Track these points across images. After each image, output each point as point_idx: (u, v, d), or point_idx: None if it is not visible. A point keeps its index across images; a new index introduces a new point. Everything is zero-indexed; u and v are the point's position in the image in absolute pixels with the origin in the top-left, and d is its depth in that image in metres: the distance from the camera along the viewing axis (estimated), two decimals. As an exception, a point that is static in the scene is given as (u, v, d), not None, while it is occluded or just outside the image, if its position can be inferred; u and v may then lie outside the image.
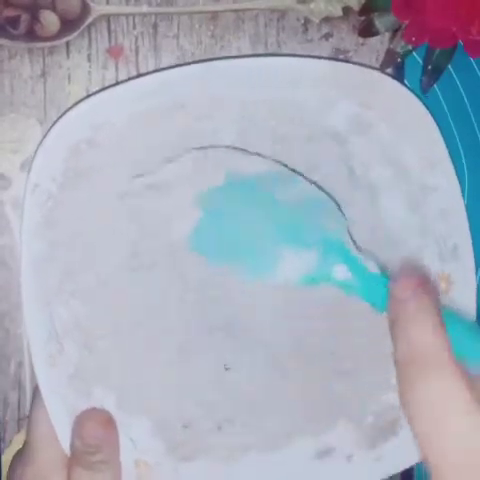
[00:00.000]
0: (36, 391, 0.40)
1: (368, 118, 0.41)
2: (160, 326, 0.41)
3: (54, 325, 0.40)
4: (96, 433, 0.39)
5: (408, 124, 0.41)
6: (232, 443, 0.42)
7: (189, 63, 0.41)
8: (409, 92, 0.41)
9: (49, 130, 0.39)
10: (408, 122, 0.41)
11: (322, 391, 0.42)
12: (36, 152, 0.39)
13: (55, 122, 0.39)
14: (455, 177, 0.42)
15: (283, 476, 0.42)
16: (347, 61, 0.44)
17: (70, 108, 0.39)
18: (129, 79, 0.41)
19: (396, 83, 0.41)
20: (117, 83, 0.43)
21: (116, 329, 0.41)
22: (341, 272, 0.37)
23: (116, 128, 0.40)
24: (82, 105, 0.39)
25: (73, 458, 0.39)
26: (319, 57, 0.43)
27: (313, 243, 0.37)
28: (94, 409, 0.40)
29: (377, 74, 0.41)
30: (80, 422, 0.39)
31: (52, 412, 0.39)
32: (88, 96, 0.40)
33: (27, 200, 0.39)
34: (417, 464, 0.44)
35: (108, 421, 0.40)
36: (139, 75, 0.43)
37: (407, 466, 0.42)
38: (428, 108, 0.41)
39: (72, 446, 0.39)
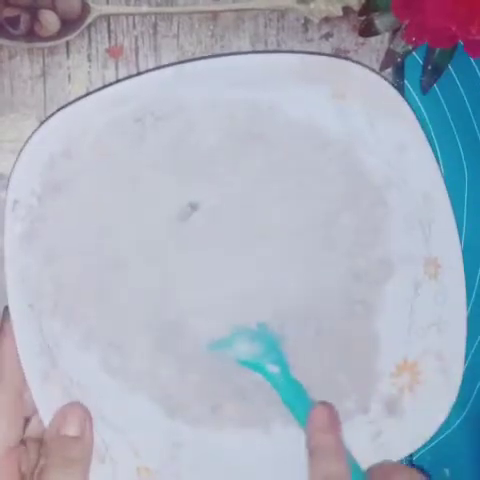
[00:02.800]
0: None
1: (342, 107, 0.42)
2: (153, 336, 0.42)
3: (45, 338, 0.40)
4: (76, 421, 0.39)
5: (382, 109, 0.41)
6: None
7: (158, 68, 0.42)
8: (380, 78, 0.42)
9: (23, 147, 0.39)
10: (382, 107, 0.41)
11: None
12: (13, 169, 0.39)
13: (29, 137, 0.39)
14: (433, 158, 0.42)
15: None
16: (319, 53, 0.44)
17: (44, 121, 0.40)
18: (99, 89, 0.41)
19: (367, 70, 0.42)
20: (88, 93, 0.43)
21: (108, 338, 0.41)
22: (272, 370, 0.42)
23: (92, 138, 0.40)
24: (55, 118, 0.40)
25: (45, 452, 0.39)
26: (288, 51, 0.44)
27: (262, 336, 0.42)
28: (75, 403, 0.40)
29: (348, 64, 0.42)
30: (62, 414, 0.39)
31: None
32: (59, 109, 0.40)
33: (8, 216, 0.39)
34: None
35: (87, 415, 0.40)
36: (104, 86, 0.43)
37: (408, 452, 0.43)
38: (403, 95, 0.42)
39: (47, 440, 0.39)
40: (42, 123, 0.40)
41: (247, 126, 0.42)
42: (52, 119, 0.40)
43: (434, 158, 0.42)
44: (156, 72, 0.41)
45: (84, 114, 0.40)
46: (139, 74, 0.42)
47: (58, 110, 0.40)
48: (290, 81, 0.41)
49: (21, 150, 0.39)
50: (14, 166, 0.39)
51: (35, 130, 0.40)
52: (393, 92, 0.41)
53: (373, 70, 0.42)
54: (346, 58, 0.44)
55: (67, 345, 0.40)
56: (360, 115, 0.42)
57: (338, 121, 0.42)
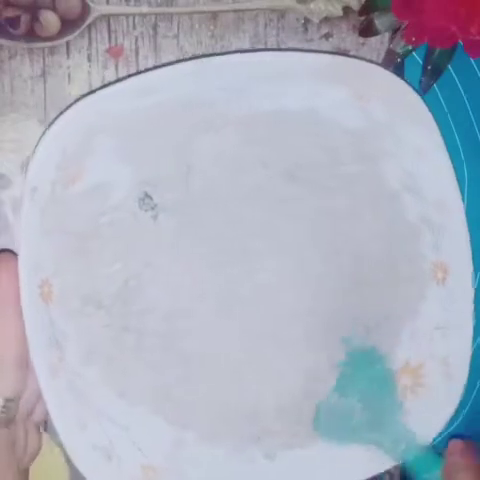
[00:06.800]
0: None
1: (364, 108, 0.42)
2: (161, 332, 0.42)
3: (55, 331, 0.40)
4: None
5: (404, 113, 0.41)
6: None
7: (183, 60, 0.41)
8: (405, 84, 0.41)
9: (44, 133, 0.39)
10: (403, 111, 0.41)
11: None
12: (33, 155, 0.39)
13: (50, 125, 0.39)
14: (450, 166, 0.42)
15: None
16: (345, 54, 0.44)
17: (64, 110, 0.39)
18: (118, 80, 0.41)
19: (393, 76, 0.41)
20: (104, 85, 0.43)
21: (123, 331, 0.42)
22: None
23: (111, 128, 0.40)
24: (75, 107, 0.39)
25: None
26: (317, 51, 0.44)
27: None
28: None
29: (374, 67, 0.42)
30: None
31: (58, 420, 0.39)
32: (81, 97, 0.40)
33: (26, 203, 0.39)
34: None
35: None
36: (122, 78, 0.43)
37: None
38: (424, 100, 0.42)
39: None
40: (59, 114, 0.39)
41: (269, 122, 0.42)
42: (72, 108, 0.39)
43: (451, 166, 0.42)
44: (178, 65, 0.40)
45: (102, 105, 0.39)
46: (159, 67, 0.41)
47: (76, 101, 0.40)
48: (313, 80, 0.41)
49: (40, 138, 0.39)
50: (33, 153, 0.39)
51: (54, 119, 0.39)
52: (415, 97, 0.41)
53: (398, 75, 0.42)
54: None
55: (76, 342, 0.41)
56: (381, 118, 0.42)
57: (359, 122, 0.42)
